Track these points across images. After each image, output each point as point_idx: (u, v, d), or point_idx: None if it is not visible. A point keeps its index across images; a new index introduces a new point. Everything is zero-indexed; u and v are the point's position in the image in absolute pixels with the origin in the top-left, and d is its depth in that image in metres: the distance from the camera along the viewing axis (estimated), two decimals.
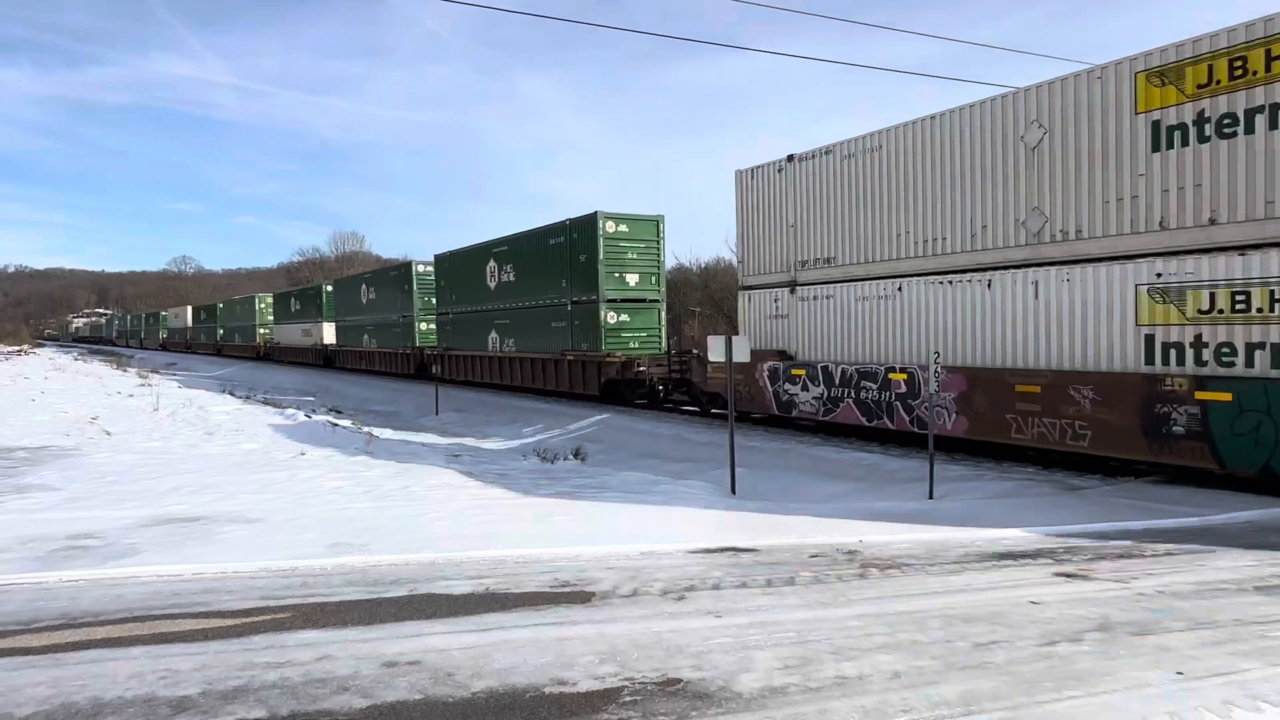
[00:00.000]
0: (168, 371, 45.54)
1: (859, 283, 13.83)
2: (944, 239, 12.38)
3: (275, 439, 16.83)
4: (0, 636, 4.97)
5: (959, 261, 12.17)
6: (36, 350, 73.19)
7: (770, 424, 17.21)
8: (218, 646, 4.76)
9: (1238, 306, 9.10)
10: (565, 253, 21.96)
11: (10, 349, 66.94)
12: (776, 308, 15.68)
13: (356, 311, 39.52)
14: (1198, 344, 9.44)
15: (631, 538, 7.78)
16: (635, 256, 21.16)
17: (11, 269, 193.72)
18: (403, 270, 34.14)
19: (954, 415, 12.02)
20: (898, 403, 12.87)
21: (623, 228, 20.96)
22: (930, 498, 10.28)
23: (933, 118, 12.50)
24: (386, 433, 19.17)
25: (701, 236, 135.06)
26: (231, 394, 28.89)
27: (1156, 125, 9.76)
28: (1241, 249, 9.05)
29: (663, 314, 21.84)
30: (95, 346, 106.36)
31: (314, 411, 23.27)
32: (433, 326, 31.81)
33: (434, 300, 31.28)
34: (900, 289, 13.07)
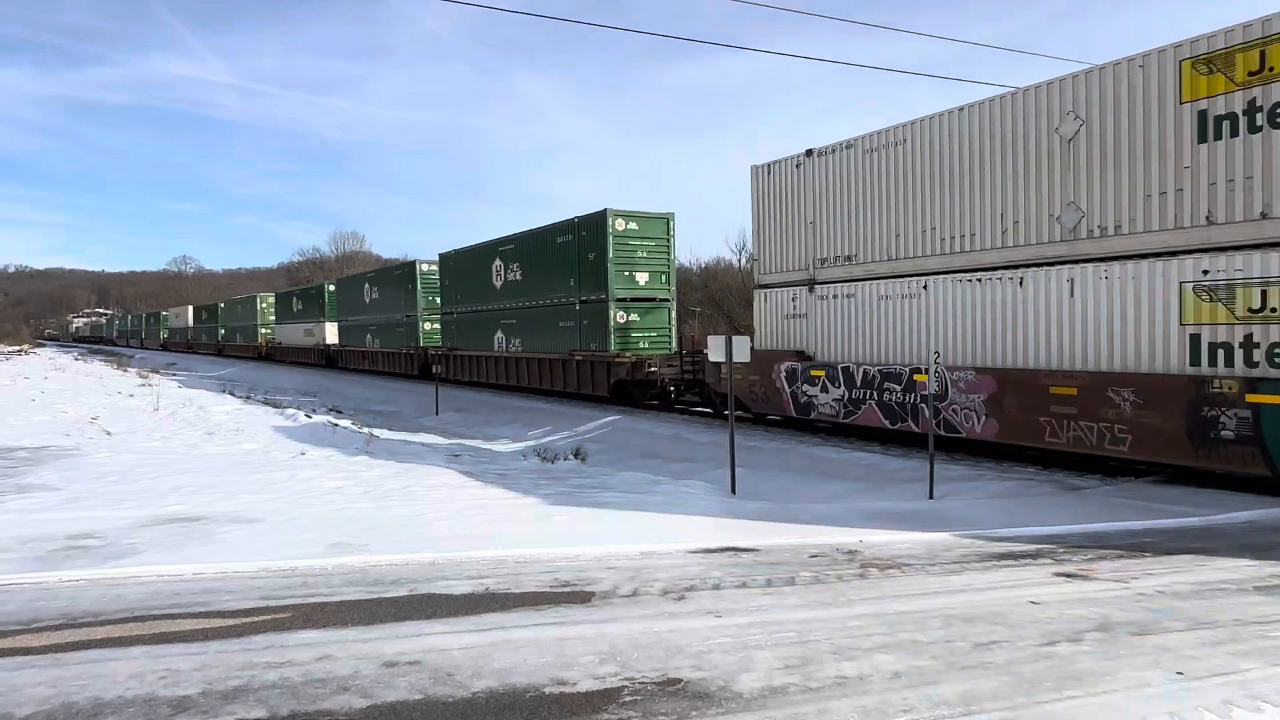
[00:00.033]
0: (168, 371, 45.53)
1: (882, 281, 13.46)
2: (973, 235, 12.02)
3: (275, 439, 16.82)
4: (1, 636, 4.97)
5: (988, 259, 11.80)
6: (37, 350, 73.23)
7: (771, 424, 17.19)
8: (218, 646, 4.76)
9: None
10: (573, 251, 21.65)
11: (10, 349, 66.99)
12: (794, 307, 15.31)
13: (359, 311, 39.28)
14: (1248, 344, 9.03)
15: (631, 537, 7.78)
16: (645, 255, 20.81)
17: (11, 269, 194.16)
18: (406, 269, 33.85)
19: (983, 418, 11.63)
20: (923, 405, 12.44)
21: (632, 225, 20.60)
22: (930, 498, 10.27)
23: (961, 110, 12.13)
24: (387, 433, 19.17)
25: (702, 236, 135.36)
26: (232, 394, 28.89)
27: (1203, 115, 9.35)
28: None
29: (673, 313, 21.51)
30: (95, 346, 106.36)
31: (314, 411, 23.26)
32: (437, 326, 31.61)
33: (438, 300, 31.05)
34: (926, 287, 12.70)
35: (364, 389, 32.68)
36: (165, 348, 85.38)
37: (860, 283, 13.89)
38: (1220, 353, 9.29)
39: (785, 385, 15.19)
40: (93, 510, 8.85)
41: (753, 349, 16.28)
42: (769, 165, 15.82)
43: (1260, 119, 8.91)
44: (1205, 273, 9.37)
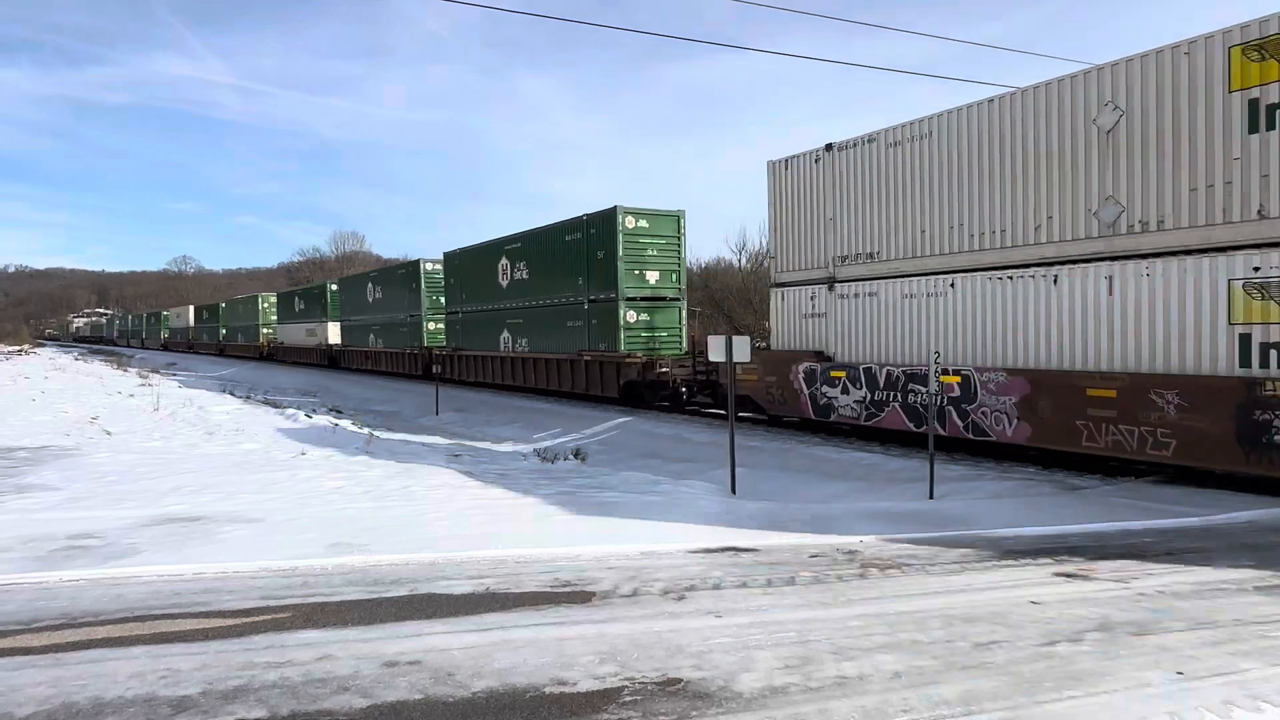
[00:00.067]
0: (168, 371, 45.53)
1: (906, 279, 13.08)
2: (1003, 231, 11.60)
3: (275, 439, 16.82)
4: (1, 636, 4.97)
5: (1020, 255, 11.40)
6: (37, 350, 73.26)
7: (771, 424, 17.19)
8: (218, 646, 4.77)
9: None
10: (582, 249, 21.29)
11: (11, 349, 67.02)
12: (813, 306, 14.90)
13: (362, 311, 38.99)
14: None
15: (631, 537, 7.78)
16: (655, 253, 20.45)
17: (12, 269, 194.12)
18: (410, 268, 33.47)
19: (1015, 421, 11.20)
20: (950, 407, 12.10)
21: (642, 223, 20.25)
22: (930, 498, 10.27)
23: (991, 101, 11.74)
24: (387, 433, 19.17)
25: (702, 236, 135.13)
26: (232, 394, 28.89)
27: (1254, 104, 8.94)
28: None
29: (684, 313, 21.17)
30: (96, 346, 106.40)
31: (314, 411, 23.26)
32: (441, 326, 31.34)
33: (443, 299, 30.74)
34: (953, 285, 12.29)
35: (364, 389, 32.67)
36: (166, 348, 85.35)
37: (883, 281, 13.51)
38: (1273, 354, 8.88)
39: (804, 387, 14.79)
40: (93, 510, 8.86)
41: (769, 349, 16.14)
42: (786, 160, 15.45)
43: None
44: (1256, 269, 8.95)
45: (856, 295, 14.04)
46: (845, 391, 13.96)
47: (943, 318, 12.54)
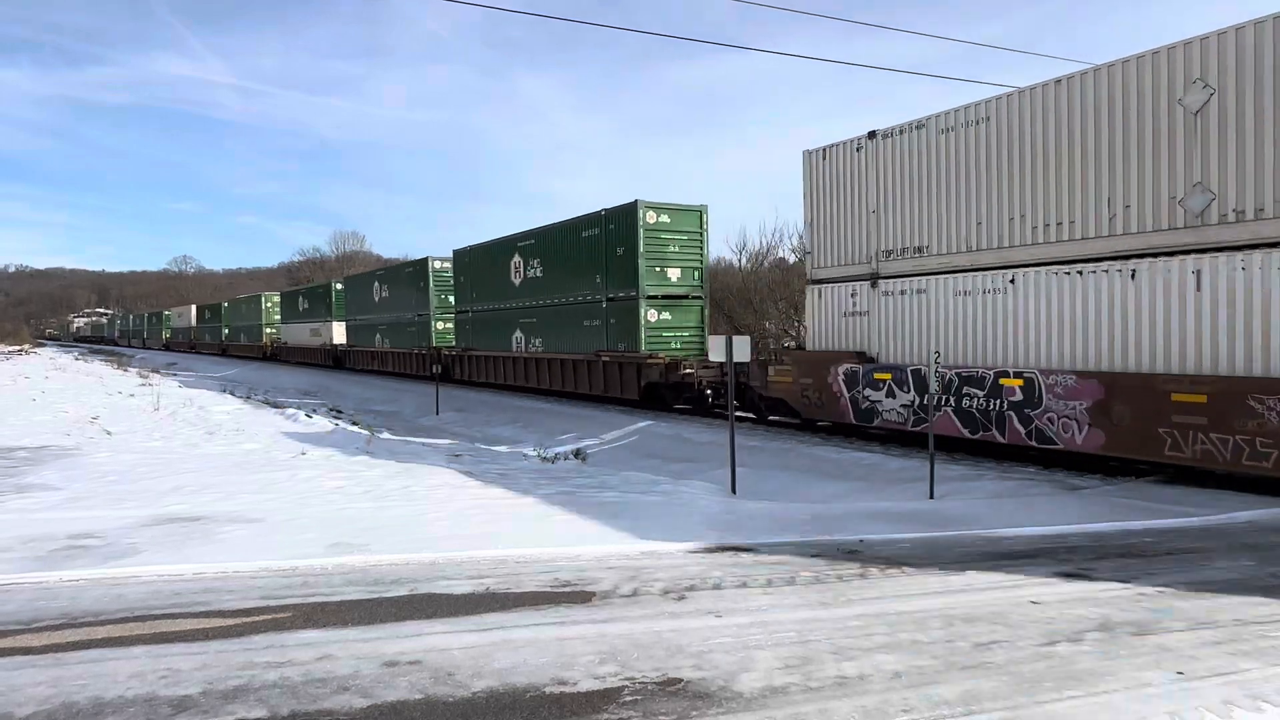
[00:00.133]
0: (169, 371, 45.55)
1: (959, 274, 12.25)
2: (1071, 223, 10.80)
3: (276, 439, 16.83)
4: (1, 636, 4.97)
5: (1092, 248, 10.61)
6: (37, 350, 73.29)
7: (772, 424, 17.18)
8: (218, 646, 4.77)
9: None
10: (600, 246, 20.54)
11: (11, 349, 67.05)
12: (854, 303, 14.08)
13: (368, 310, 38.27)
14: None
15: (632, 537, 7.78)
16: (677, 249, 19.68)
17: (12, 269, 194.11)
18: (418, 266, 32.70)
19: (1085, 427, 10.50)
20: (1011, 412, 11.31)
21: (664, 218, 19.47)
22: (931, 498, 10.27)
23: (1057, 82, 10.94)
24: (387, 433, 19.18)
25: None
26: (232, 394, 28.91)
27: None
28: None
29: (706, 312, 20.41)
30: (96, 346, 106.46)
31: (315, 412, 23.27)
32: (450, 326, 30.70)
33: (452, 298, 30.07)
34: (1013, 281, 11.50)
35: (365, 389, 32.68)
36: (168, 347, 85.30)
37: (933, 276, 12.69)
38: None
39: (844, 389, 13.96)
40: (93, 510, 8.86)
41: (801, 349, 15.21)
42: (824, 150, 14.63)
43: None
44: None
45: (903, 292, 13.25)
46: (891, 395, 13.16)
47: (1001, 316, 11.76)
